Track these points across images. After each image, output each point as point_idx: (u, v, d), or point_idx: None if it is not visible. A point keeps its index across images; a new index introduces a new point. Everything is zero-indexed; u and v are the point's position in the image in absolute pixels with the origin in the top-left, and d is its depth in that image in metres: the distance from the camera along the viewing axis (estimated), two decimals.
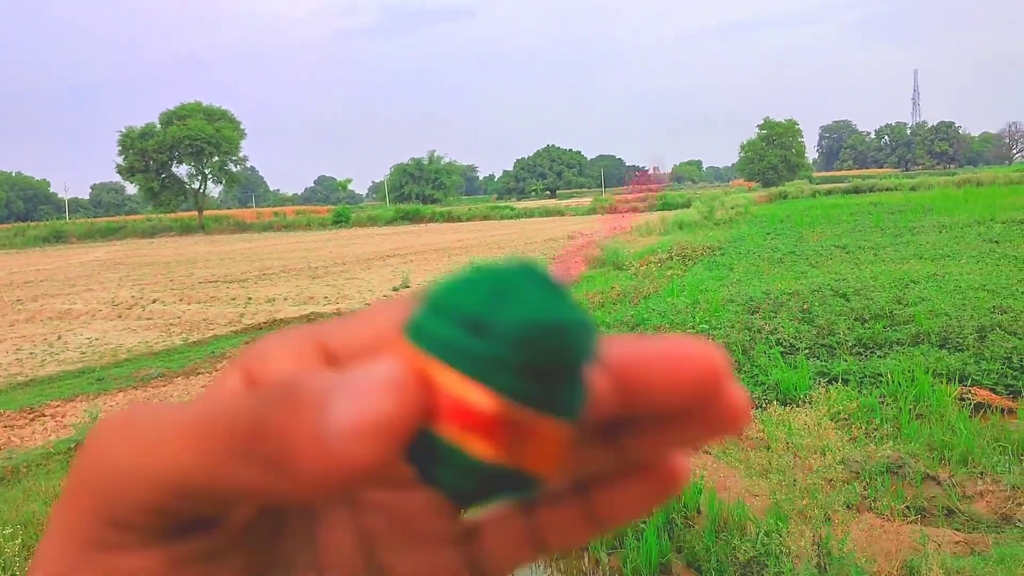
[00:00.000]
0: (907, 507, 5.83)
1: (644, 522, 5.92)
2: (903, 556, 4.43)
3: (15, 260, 51.46)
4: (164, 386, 11.98)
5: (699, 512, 6.18)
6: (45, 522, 6.56)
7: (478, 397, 0.28)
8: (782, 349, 10.30)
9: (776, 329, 11.13)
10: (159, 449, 0.30)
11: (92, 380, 12.72)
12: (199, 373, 12.79)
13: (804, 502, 4.37)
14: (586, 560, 5.85)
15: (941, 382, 8.38)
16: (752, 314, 12.59)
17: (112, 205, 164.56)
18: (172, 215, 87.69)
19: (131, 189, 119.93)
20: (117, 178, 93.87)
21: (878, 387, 8.56)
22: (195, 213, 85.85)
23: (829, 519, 4.58)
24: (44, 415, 10.58)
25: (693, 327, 11.45)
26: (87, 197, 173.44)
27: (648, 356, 0.33)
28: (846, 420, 6.11)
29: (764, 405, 8.57)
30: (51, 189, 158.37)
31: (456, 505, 0.36)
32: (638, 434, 0.35)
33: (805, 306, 12.58)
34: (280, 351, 0.34)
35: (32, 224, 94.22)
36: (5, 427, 10.03)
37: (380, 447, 0.27)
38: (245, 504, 0.34)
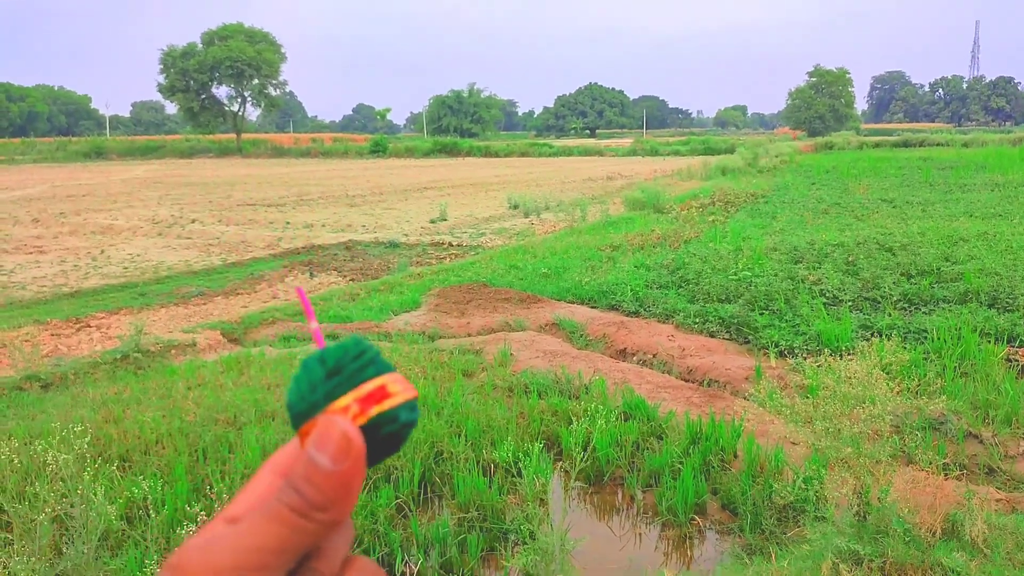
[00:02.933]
0: (948, 463, 5.77)
1: (681, 462, 5.94)
2: (945, 510, 4.40)
3: (57, 173, 52.06)
4: (204, 304, 12.14)
5: (736, 456, 6.17)
6: (92, 426, 6.71)
7: (364, 389, 0.59)
8: (825, 300, 10.17)
9: (820, 280, 10.97)
10: (236, 545, 0.55)
11: (135, 295, 12.92)
12: (238, 293, 12.94)
13: (847, 451, 4.32)
14: (620, 496, 5.89)
15: (988, 341, 8.22)
16: (796, 264, 12.41)
17: (152, 124, 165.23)
18: (210, 136, 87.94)
19: (171, 108, 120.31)
20: (158, 97, 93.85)
21: (923, 343, 8.44)
22: (233, 135, 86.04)
23: (871, 470, 4.55)
24: (90, 326, 10.78)
25: (736, 274, 11.31)
26: (128, 115, 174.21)
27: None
28: (894, 374, 6.02)
29: (804, 355, 8.50)
30: (92, 105, 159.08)
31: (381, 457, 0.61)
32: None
33: (850, 258, 12.36)
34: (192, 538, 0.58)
35: (74, 139, 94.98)
36: (53, 335, 10.25)
37: (354, 448, 0.57)
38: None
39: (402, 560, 4.71)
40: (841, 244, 13.85)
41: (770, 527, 5.09)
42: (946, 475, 5.54)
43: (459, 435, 6.42)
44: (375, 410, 0.58)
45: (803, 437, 6.15)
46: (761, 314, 9.76)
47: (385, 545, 4.86)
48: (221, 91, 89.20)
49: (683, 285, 11.63)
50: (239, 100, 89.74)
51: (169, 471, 5.65)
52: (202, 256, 17.08)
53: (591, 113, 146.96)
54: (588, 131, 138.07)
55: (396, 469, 5.78)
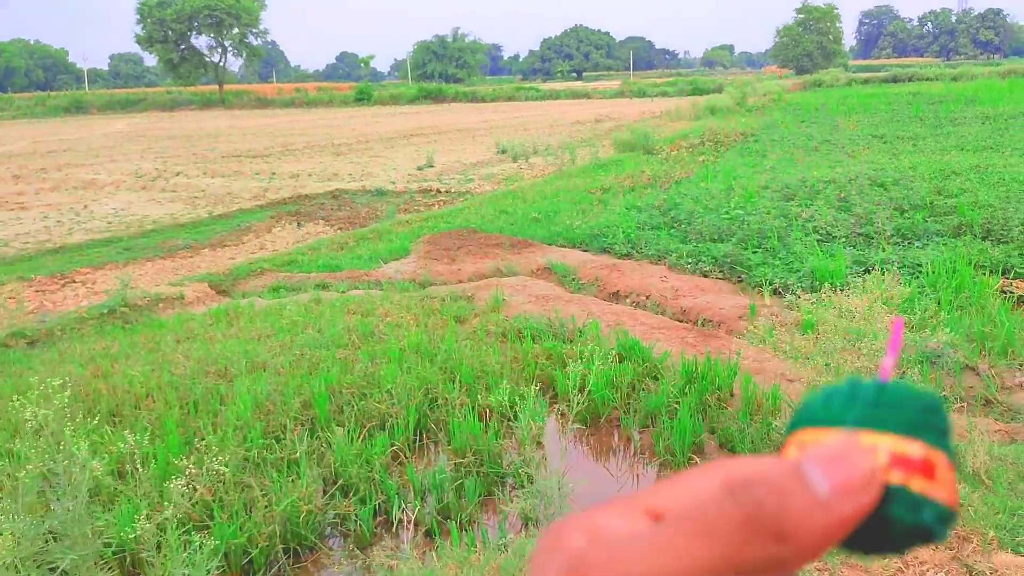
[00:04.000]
0: (946, 396, 5.74)
1: (678, 401, 5.89)
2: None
3: (37, 129, 51.22)
4: (191, 257, 11.98)
5: (732, 395, 6.13)
6: (80, 382, 6.63)
7: (910, 447, 0.41)
8: (819, 237, 10.09)
9: (813, 217, 10.88)
10: (653, 559, 0.39)
11: (120, 249, 12.74)
12: (225, 245, 12.77)
13: None
14: (616, 437, 5.85)
15: (983, 274, 8.17)
16: (788, 201, 12.30)
17: (131, 76, 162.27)
18: (192, 88, 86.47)
19: (150, 60, 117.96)
20: (136, 49, 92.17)
21: (917, 277, 8.38)
22: (215, 87, 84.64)
23: None
24: (75, 281, 10.63)
25: (727, 213, 11.20)
26: (106, 68, 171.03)
27: None
28: (894, 307, 5.95)
29: (799, 292, 8.44)
30: (70, 59, 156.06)
31: (868, 554, 0.42)
32: None
33: (842, 195, 12.25)
34: (608, 516, 0.43)
35: (53, 94, 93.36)
36: (37, 291, 10.10)
37: (867, 496, 0.39)
38: None
39: (399, 507, 4.67)
40: (833, 180, 13.72)
41: None
42: None
43: (453, 381, 6.35)
44: (907, 480, 0.40)
45: (800, 374, 6.12)
46: (754, 252, 9.68)
47: (382, 493, 4.82)
48: (201, 41, 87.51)
49: (675, 225, 11.52)
50: (219, 50, 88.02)
51: (160, 425, 5.58)
52: (187, 209, 16.84)
53: (577, 56, 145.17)
54: (575, 74, 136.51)
55: (391, 416, 5.72)
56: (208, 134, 40.58)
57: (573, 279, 9.93)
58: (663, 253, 10.32)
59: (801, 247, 9.59)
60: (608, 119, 40.29)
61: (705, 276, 9.51)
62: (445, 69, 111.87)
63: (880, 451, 0.40)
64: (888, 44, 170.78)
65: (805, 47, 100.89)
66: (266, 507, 4.46)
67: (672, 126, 31.98)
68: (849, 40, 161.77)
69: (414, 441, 5.61)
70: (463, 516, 4.71)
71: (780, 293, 8.60)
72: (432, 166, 22.66)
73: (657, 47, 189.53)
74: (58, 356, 7.35)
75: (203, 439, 5.37)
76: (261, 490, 4.63)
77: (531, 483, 5.04)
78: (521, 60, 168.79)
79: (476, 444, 5.34)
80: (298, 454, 4.99)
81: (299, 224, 14.44)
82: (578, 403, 5.96)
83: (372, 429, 5.58)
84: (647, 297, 8.99)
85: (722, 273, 9.45)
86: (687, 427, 5.42)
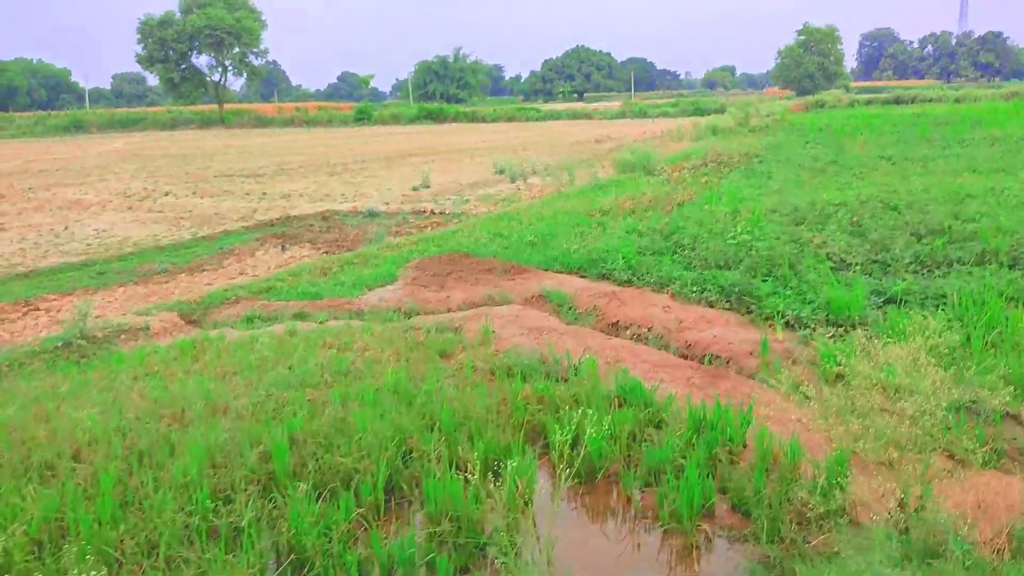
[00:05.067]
0: (988, 449, 5.06)
1: (684, 456, 5.21)
2: (1008, 519, 3.68)
3: (34, 148, 50.74)
4: (166, 282, 11.32)
5: (745, 446, 5.45)
6: (19, 427, 5.95)
7: None
8: (832, 264, 9.42)
9: (825, 242, 10.22)
10: None
11: (93, 273, 12.09)
12: (204, 270, 12.11)
13: (892, 454, 3.59)
14: (615, 497, 5.16)
15: (1015, 307, 7.50)
16: (798, 225, 11.65)
17: (133, 96, 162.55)
18: (192, 107, 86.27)
19: (152, 80, 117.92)
20: (138, 68, 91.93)
21: (941, 309, 7.71)
22: (215, 106, 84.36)
23: (914, 475, 3.83)
24: (39, 309, 9.97)
25: (734, 238, 10.54)
26: (108, 87, 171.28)
27: None
28: (942, 358, 5.21)
29: (813, 326, 7.78)
30: (72, 78, 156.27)
31: None
32: None
33: (855, 218, 11.60)
34: None
35: (53, 113, 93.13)
36: None
37: None
38: None
39: None
40: (844, 203, 13.09)
41: (790, 535, 4.37)
42: (985, 465, 4.83)
43: (432, 428, 5.67)
44: None
45: (821, 424, 5.43)
46: (764, 281, 9.01)
47: (341, 570, 4.12)
48: (201, 61, 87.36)
49: (678, 251, 10.86)
50: (220, 69, 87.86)
51: (96, 482, 4.89)
52: (171, 230, 16.20)
53: (578, 76, 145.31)
54: (576, 94, 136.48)
55: (357, 472, 5.04)
56: (205, 153, 40.06)
57: (570, 308, 9.26)
58: (666, 280, 9.66)
59: (814, 275, 8.92)
60: (609, 139, 39.77)
61: (711, 306, 8.83)
62: (446, 89, 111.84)
63: None
64: (889, 66, 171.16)
65: (806, 68, 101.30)
66: None
67: (674, 147, 31.40)
68: (850, 62, 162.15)
69: (385, 501, 4.92)
70: None
71: (793, 326, 7.92)
72: (428, 186, 22.05)
73: (658, 68, 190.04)
74: (0, 395, 6.66)
75: (143, 501, 4.69)
76: (197, 571, 3.94)
77: (517, 556, 4.37)
78: (522, 81, 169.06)
79: (454, 507, 4.65)
80: (244, 522, 4.30)
81: (284, 247, 13.78)
82: (572, 458, 5.30)
83: (336, 488, 4.89)
84: (649, 329, 8.32)
85: (729, 303, 8.78)
86: (695, 487, 4.73)
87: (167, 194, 22.53)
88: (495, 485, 5.13)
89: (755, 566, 4.25)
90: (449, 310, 9.34)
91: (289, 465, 5.09)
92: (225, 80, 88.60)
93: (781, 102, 67.53)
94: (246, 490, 4.82)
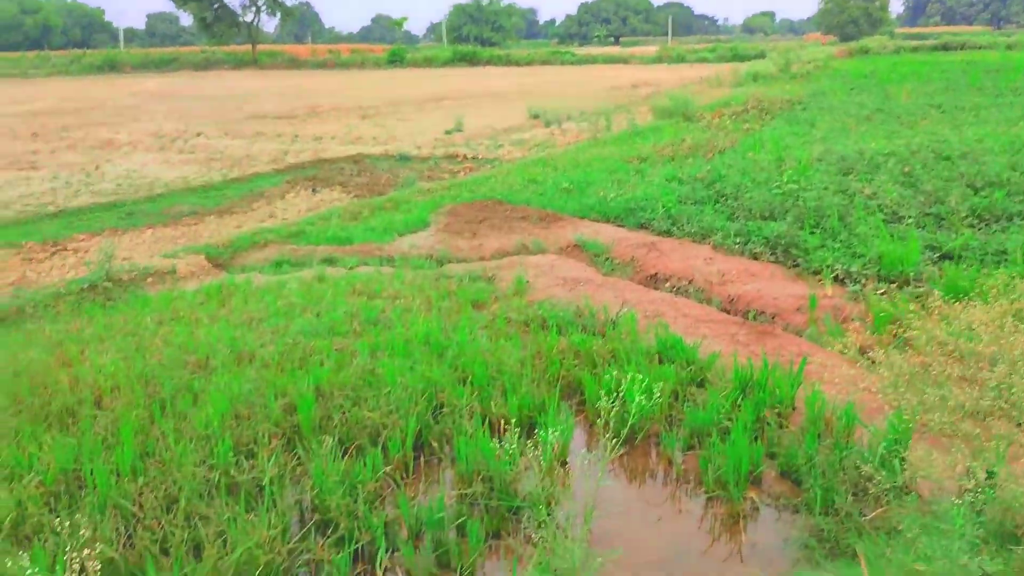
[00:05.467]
0: None
1: (730, 417, 4.92)
2: None
3: (68, 87, 50.78)
4: (195, 224, 11.14)
5: (794, 408, 5.15)
6: (42, 372, 5.80)
7: None
8: (884, 217, 8.97)
9: (876, 193, 9.75)
10: None
11: (123, 214, 11.95)
12: (233, 212, 11.92)
13: (966, 425, 3.27)
14: (654, 459, 4.90)
15: None
16: (846, 175, 11.15)
17: (167, 36, 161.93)
18: (226, 48, 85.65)
19: (185, 20, 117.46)
20: (171, 7, 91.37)
21: (1004, 266, 7.28)
22: (249, 47, 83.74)
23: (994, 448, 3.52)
24: (67, 249, 9.83)
25: (780, 187, 10.10)
26: (142, 27, 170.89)
27: None
28: None
29: (863, 281, 7.39)
30: (106, 17, 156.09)
31: None
32: None
33: (906, 168, 11.07)
34: None
35: (88, 52, 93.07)
36: (24, 260, 9.32)
37: None
38: None
39: (387, 551, 3.78)
40: (893, 153, 12.52)
41: (845, 506, 4.09)
42: None
43: (464, 382, 5.43)
44: None
45: (874, 381, 5.10)
46: (811, 233, 8.60)
47: (366, 531, 3.92)
48: (234, 0, 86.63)
49: (720, 200, 10.45)
50: (253, 9, 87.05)
51: (116, 431, 4.73)
52: (202, 171, 16.01)
53: (615, 20, 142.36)
54: (612, 39, 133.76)
55: (385, 428, 4.82)
56: (237, 94, 39.77)
57: (606, 259, 8.94)
58: (707, 231, 9.28)
59: (865, 228, 8.50)
60: (646, 85, 38.86)
61: (755, 258, 8.46)
62: (480, 32, 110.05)
63: None
64: (936, 11, 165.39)
65: (850, 13, 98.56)
66: (219, 554, 3.58)
67: (713, 93, 30.56)
68: (896, 7, 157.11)
69: (414, 458, 4.70)
70: (464, 567, 3.81)
71: (842, 281, 7.54)
72: (460, 130, 21.63)
73: (696, 13, 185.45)
74: (23, 339, 6.53)
75: (168, 449, 4.52)
76: (216, 529, 3.76)
77: (551, 519, 4.13)
78: (557, 24, 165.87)
79: (486, 467, 4.41)
80: (265, 480, 4.10)
81: (314, 190, 13.53)
82: (610, 416, 5.03)
83: (363, 444, 4.68)
84: (689, 282, 7.99)
85: (775, 256, 8.39)
86: (743, 452, 4.45)
87: (199, 135, 22.33)
88: (529, 443, 4.91)
89: (807, 539, 3.98)
90: (482, 258, 9.06)
91: (315, 418, 4.88)
92: (259, 20, 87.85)
93: (824, 48, 65.64)
94: (269, 443, 4.62)
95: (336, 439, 4.62)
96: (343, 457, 4.48)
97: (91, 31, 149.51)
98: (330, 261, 8.86)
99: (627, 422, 4.96)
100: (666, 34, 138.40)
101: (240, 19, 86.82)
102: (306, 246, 9.49)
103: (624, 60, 70.88)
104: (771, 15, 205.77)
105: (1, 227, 11.23)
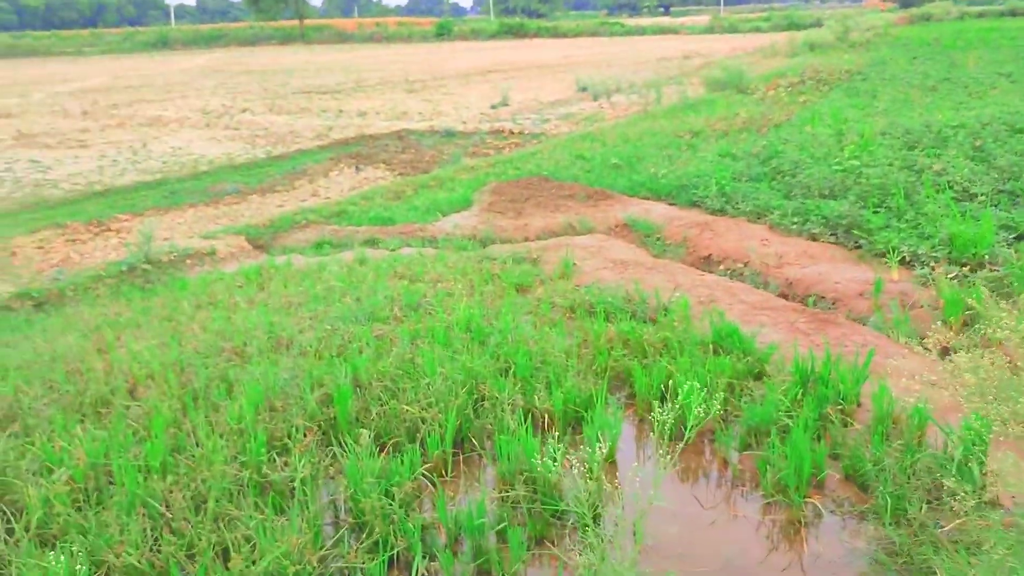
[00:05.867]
0: None
1: (790, 414, 4.60)
2: None
3: (121, 64, 51.42)
4: (237, 203, 11.03)
5: (859, 404, 4.81)
6: (78, 357, 5.70)
7: None
8: (954, 195, 8.46)
9: (945, 169, 9.22)
10: None
11: (166, 193, 11.90)
12: (276, 191, 11.78)
13: None
14: (708, 458, 4.61)
15: None
16: (911, 150, 10.60)
17: (217, 12, 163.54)
18: (273, 24, 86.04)
19: None
20: None
21: None
22: (296, 22, 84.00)
23: None
24: (110, 229, 9.79)
25: (840, 163, 9.61)
26: (194, 3, 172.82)
27: None
28: None
29: (932, 265, 6.95)
30: None
31: None
32: None
33: (978, 142, 10.48)
34: None
35: (141, 29, 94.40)
36: (68, 241, 9.29)
37: None
38: None
39: (422, 559, 3.56)
40: (962, 125, 11.88)
41: (918, 517, 3.76)
42: None
43: (506, 372, 5.18)
44: None
45: (951, 383, 4.72)
46: (875, 212, 8.15)
47: (402, 536, 3.70)
48: None
49: (776, 177, 10.00)
50: None
51: (148, 423, 4.58)
52: (246, 148, 15.95)
53: None
54: (662, 9, 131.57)
55: (424, 422, 4.59)
56: (283, 69, 39.84)
57: (657, 239, 8.60)
58: (763, 210, 8.88)
59: (934, 207, 8.01)
60: (697, 56, 37.96)
61: (814, 239, 8.05)
62: (528, 4, 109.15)
63: None
64: None
65: None
66: (247, 561, 3.39)
67: (767, 63, 29.70)
68: None
69: (452, 456, 4.47)
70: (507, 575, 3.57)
71: (909, 264, 7.11)
72: (507, 104, 21.28)
73: None
74: (62, 323, 6.45)
75: (198, 444, 4.36)
76: (244, 533, 3.57)
77: (598, 524, 3.88)
78: None
79: (529, 467, 4.17)
80: (296, 481, 3.91)
81: (358, 168, 13.34)
82: (660, 411, 4.75)
83: (400, 441, 4.47)
84: (745, 264, 7.62)
85: (835, 237, 7.97)
86: (804, 454, 4.13)
87: (244, 111, 22.33)
88: (575, 440, 4.66)
89: (876, 551, 3.67)
90: (527, 239, 8.78)
91: (351, 411, 4.68)
92: None
93: (883, 15, 63.59)
94: (304, 438, 4.43)
95: (373, 434, 4.41)
96: (379, 454, 4.27)
97: (144, 8, 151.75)
98: (372, 243, 8.66)
99: (679, 417, 4.68)
100: (718, 3, 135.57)
101: None
102: (347, 227, 9.30)
103: (674, 31, 69.53)
104: None
105: (49, 207, 11.25)
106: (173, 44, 78.15)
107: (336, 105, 23.06)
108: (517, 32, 71.89)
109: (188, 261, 7.99)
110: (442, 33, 73.31)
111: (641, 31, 70.44)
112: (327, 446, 4.49)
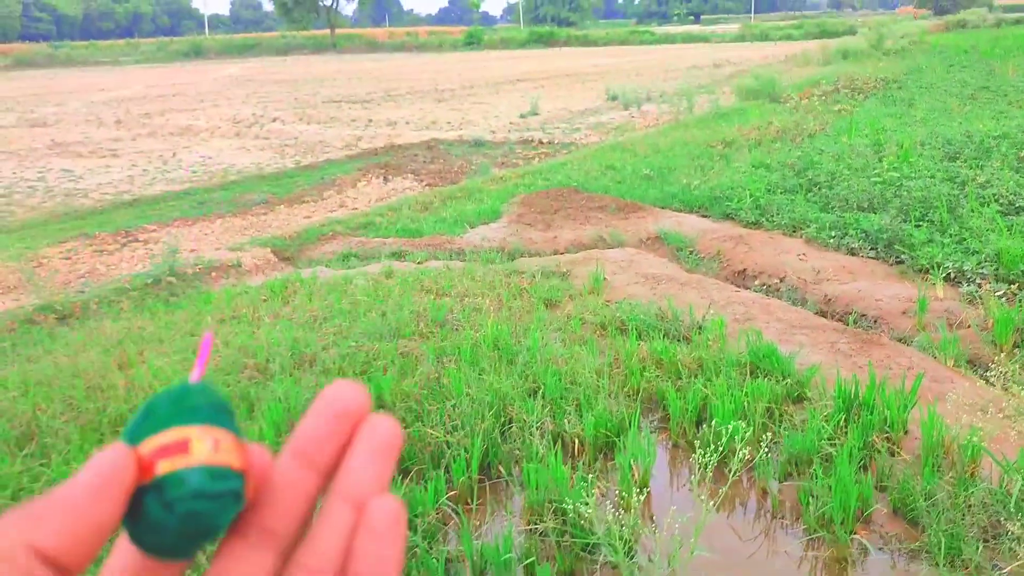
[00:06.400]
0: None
1: (832, 442, 4.38)
2: None
3: (155, 74, 52.02)
4: (265, 214, 10.96)
5: (906, 432, 4.57)
6: (99, 374, 5.61)
7: (182, 434, 0.42)
8: (1000, 208, 8.16)
9: (989, 181, 8.91)
10: None
11: (195, 203, 11.87)
12: (304, 201, 11.71)
13: None
14: (746, 487, 4.39)
15: None
16: (952, 161, 10.29)
17: (251, 22, 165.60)
18: (305, 32, 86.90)
19: (268, 5, 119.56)
20: None
21: None
22: (328, 31, 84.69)
23: None
24: (138, 240, 9.76)
25: (879, 175, 9.33)
26: (227, 13, 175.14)
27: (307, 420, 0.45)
28: None
29: (979, 281, 6.68)
30: (193, 4, 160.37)
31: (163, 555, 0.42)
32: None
33: (1022, 154, 10.14)
34: None
35: (175, 39, 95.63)
36: (95, 252, 9.26)
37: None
38: None
39: None
40: (1005, 135, 11.54)
41: (974, 557, 3.53)
42: None
43: (534, 394, 5.00)
44: (163, 466, 0.41)
45: (997, 403, 4.48)
46: (917, 226, 7.88)
47: (424, 571, 3.53)
48: None
49: (812, 189, 9.74)
50: None
51: None
52: (275, 158, 15.93)
53: None
54: (692, 17, 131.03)
55: (449, 447, 4.43)
56: (314, 78, 40.03)
57: (690, 252, 8.38)
58: (799, 223, 8.63)
59: (979, 221, 7.72)
60: (728, 64, 37.60)
61: (853, 254, 7.79)
62: (558, 12, 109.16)
63: (141, 456, 0.42)
64: None
65: None
66: None
67: (800, 72, 29.29)
68: None
69: (478, 483, 4.30)
70: None
71: (955, 281, 6.84)
72: (536, 114, 21.13)
73: None
74: (85, 337, 6.37)
75: None
76: None
77: (631, 558, 3.70)
78: (636, 3, 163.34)
79: (559, 496, 3.98)
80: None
81: (386, 179, 13.25)
82: (695, 436, 4.57)
83: (424, 469, 4.30)
84: (781, 279, 7.38)
85: (875, 252, 7.71)
86: (850, 486, 3.91)
87: (275, 120, 22.38)
88: (607, 467, 4.48)
89: None
90: (556, 251, 8.61)
91: None
92: (337, 5, 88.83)
93: (918, 22, 62.83)
94: None
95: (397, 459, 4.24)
96: (402, 481, 4.11)
97: (179, 18, 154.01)
98: (399, 255, 8.53)
99: (715, 443, 4.48)
100: (748, 11, 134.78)
101: (319, 3, 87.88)
102: (375, 238, 9.18)
103: (705, 39, 69.08)
104: None
105: (79, 217, 11.26)
106: (207, 53, 79.02)
107: (366, 115, 23.05)
108: (547, 41, 71.84)
109: (213, 274, 7.91)
110: (472, 42, 73.44)
111: (671, 39, 70.09)
112: None
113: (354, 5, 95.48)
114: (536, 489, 4.05)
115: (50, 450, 4.47)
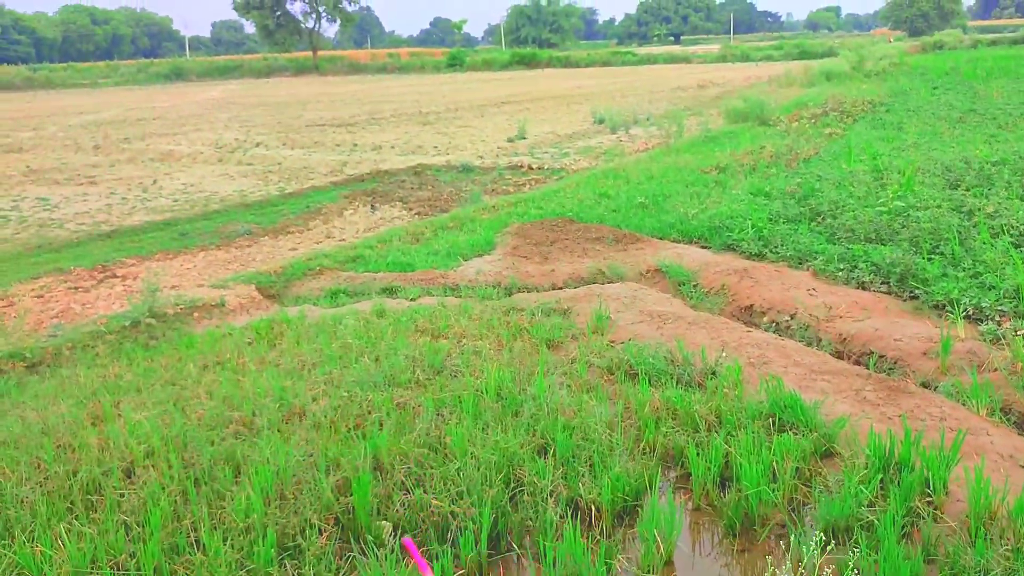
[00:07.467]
0: None
1: (871, 504, 4.04)
2: None
3: (135, 96, 51.51)
4: (248, 246, 10.56)
5: (947, 491, 4.23)
6: (71, 431, 5.18)
7: None
8: (1012, 240, 7.90)
9: (998, 212, 8.67)
10: None
11: (176, 234, 11.45)
12: (289, 232, 11.32)
13: None
14: (780, 556, 4.03)
15: None
16: (954, 188, 10.06)
17: (232, 43, 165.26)
18: (287, 55, 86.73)
19: (249, 28, 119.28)
20: (236, 16, 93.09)
21: None
22: (310, 53, 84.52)
23: None
24: (115, 275, 9.33)
25: (885, 204, 9.08)
26: (208, 35, 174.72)
27: None
28: None
29: (999, 319, 6.39)
30: (173, 26, 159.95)
31: None
32: None
33: None
34: None
35: (156, 61, 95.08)
36: (70, 289, 8.82)
37: None
38: None
39: None
40: (1004, 161, 11.36)
41: None
42: None
43: (544, 452, 4.64)
44: None
45: None
46: (929, 259, 7.60)
47: None
48: (296, 7, 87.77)
49: (816, 219, 9.47)
50: (314, 16, 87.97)
51: (144, 516, 4.05)
52: (259, 185, 15.54)
53: (675, 19, 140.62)
54: (672, 38, 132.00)
55: (455, 517, 4.05)
56: (298, 101, 39.72)
57: (693, 286, 8.07)
58: (805, 255, 8.34)
59: (993, 254, 7.45)
60: (712, 85, 37.63)
61: (864, 288, 7.50)
62: (539, 34, 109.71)
63: None
64: (1011, 3, 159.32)
65: (920, 7, 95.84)
66: None
67: (785, 93, 29.28)
68: None
69: (487, 558, 3.92)
70: None
71: (973, 318, 6.55)
72: (524, 138, 20.87)
73: (759, 9, 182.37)
74: (56, 387, 5.94)
75: (198, 543, 3.83)
76: None
77: None
78: (616, 24, 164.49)
79: (576, 571, 3.61)
80: None
81: (373, 207, 12.89)
82: (720, 499, 4.22)
83: (428, 544, 3.92)
84: (791, 316, 7.06)
85: (887, 286, 7.42)
86: (900, 561, 3.56)
87: (258, 145, 22.01)
88: (626, 535, 4.11)
89: None
90: (555, 286, 8.26)
91: (371, 503, 4.13)
92: (319, 27, 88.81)
93: (894, 44, 63.40)
94: (321, 534, 3.89)
95: (398, 533, 3.87)
96: (404, 556, 3.73)
97: (159, 40, 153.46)
98: (390, 291, 8.16)
99: (743, 507, 4.13)
100: (727, 32, 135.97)
101: (301, 25, 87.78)
102: (364, 273, 8.80)
103: (686, 59, 69.47)
104: (836, 10, 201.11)
105: (53, 249, 10.82)
106: (187, 75, 78.59)
107: (350, 138, 22.71)
108: (529, 62, 71.97)
109: (196, 314, 7.50)
110: (454, 63, 73.48)
111: (652, 60, 70.42)
112: (344, 542, 3.95)
113: (336, 27, 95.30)
114: (552, 567, 3.68)
115: (13, 525, 4.05)
